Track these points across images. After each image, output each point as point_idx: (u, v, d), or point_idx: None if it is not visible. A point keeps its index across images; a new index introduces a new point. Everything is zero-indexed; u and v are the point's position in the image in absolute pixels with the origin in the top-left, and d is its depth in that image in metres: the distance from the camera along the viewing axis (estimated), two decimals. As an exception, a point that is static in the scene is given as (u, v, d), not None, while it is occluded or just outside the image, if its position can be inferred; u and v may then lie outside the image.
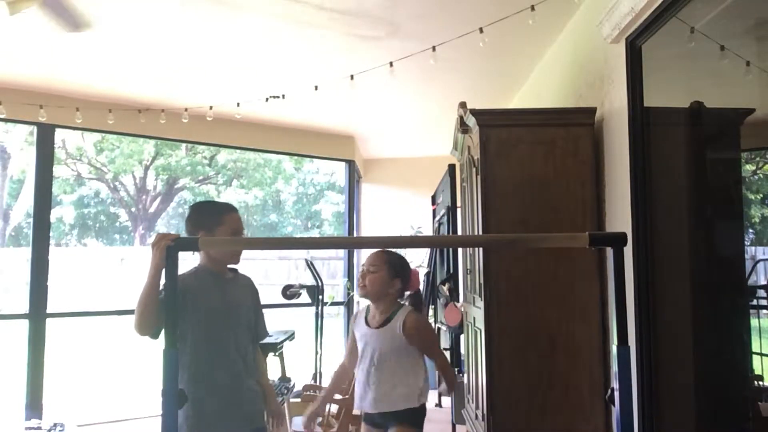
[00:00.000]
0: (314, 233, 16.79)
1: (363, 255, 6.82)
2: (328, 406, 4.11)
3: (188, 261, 2.27)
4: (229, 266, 2.34)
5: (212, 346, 2.18)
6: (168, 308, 1.62)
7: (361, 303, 6.58)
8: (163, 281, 1.93)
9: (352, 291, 6.47)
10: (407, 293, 2.64)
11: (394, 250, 2.61)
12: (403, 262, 2.58)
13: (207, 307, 2.20)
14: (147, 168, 15.39)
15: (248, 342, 2.32)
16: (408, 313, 2.49)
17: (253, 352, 2.36)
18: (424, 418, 2.48)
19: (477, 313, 3.10)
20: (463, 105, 3.12)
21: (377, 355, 2.46)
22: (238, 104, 4.45)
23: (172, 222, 16.28)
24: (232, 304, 2.28)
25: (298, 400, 4.38)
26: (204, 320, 2.18)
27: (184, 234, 2.28)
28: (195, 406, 2.09)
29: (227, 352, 2.21)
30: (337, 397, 4.07)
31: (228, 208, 2.36)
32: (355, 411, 3.98)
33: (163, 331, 1.97)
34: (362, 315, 2.61)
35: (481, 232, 2.90)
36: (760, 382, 2.21)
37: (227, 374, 2.19)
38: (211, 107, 4.48)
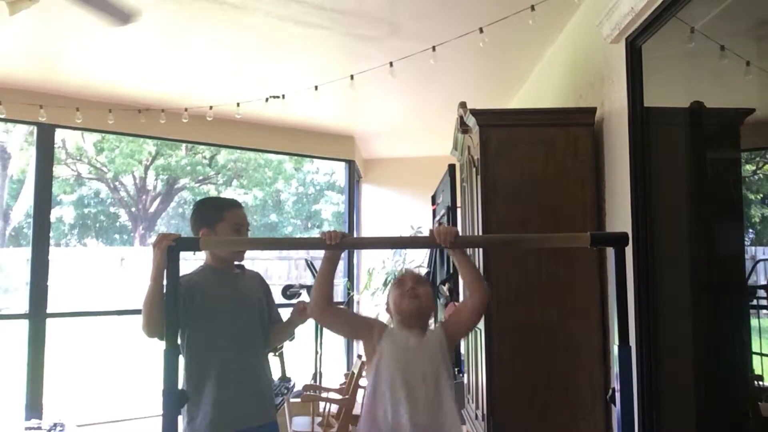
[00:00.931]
0: (314, 233, 16.78)
1: (363, 255, 6.84)
2: (327, 406, 4.11)
3: (190, 261, 2.27)
4: (236, 263, 2.36)
5: (227, 341, 2.20)
6: (168, 309, 1.62)
7: (361, 303, 6.61)
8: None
9: (352, 291, 6.47)
10: None
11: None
12: None
13: (219, 302, 2.22)
14: (147, 168, 15.39)
15: (261, 335, 2.33)
16: (438, 324, 2.05)
17: (266, 345, 2.38)
18: None
19: (477, 313, 3.10)
20: (463, 105, 3.12)
21: (419, 379, 1.87)
22: (238, 104, 4.45)
23: (172, 222, 16.28)
24: (244, 297, 2.30)
25: (298, 400, 4.38)
26: (217, 316, 2.20)
27: (188, 231, 2.30)
28: (211, 401, 2.12)
29: (242, 346, 2.23)
30: (337, 397, 4.08)
31: (229, 204, 2.37)
32: (355, 411, 3.98)
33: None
34: (392, 337, 1.95)
35: (481, 232, 2.90)
36: (760, 382, 2.21)
37: (243, 368, 2.22)
38: (211, 107, 4.48)
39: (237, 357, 2.21)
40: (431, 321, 2.10)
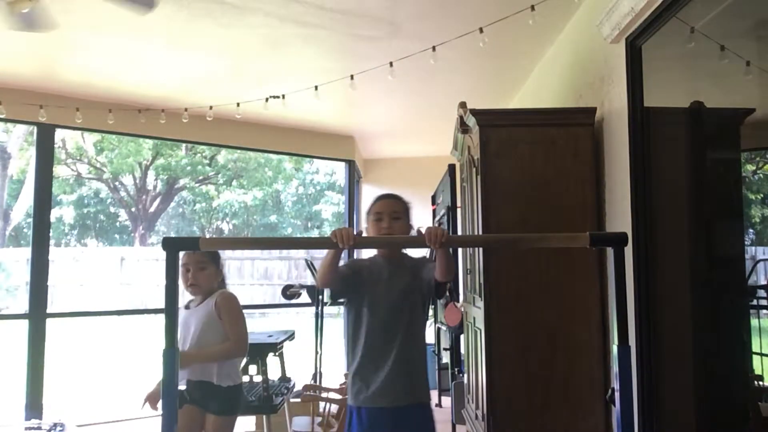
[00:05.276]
0: (314, 233, 16.78)
1: (363, 255, 6.83)
2: (327, 406, 4.11)
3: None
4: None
5: (383, 325, 2.24)
6: (167, 309, 1.61)
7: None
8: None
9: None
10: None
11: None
12: None
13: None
14: (147, 168, 15.39)
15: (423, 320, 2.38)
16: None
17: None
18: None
19: (477, 313, 3.10)
20: (463, 105, 3.12)
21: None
22: (238, 104, 4.45)
23: (172, 222, 16.29)
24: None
25: (298, 400, 4.38)
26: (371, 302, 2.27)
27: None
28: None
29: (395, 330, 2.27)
30: (337, 397, 4.07)
31: None
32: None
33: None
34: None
35: (481, 232, 2.89)
36: (760, 382, 2.21)
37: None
38: (211, 107, 4.48)
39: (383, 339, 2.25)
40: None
